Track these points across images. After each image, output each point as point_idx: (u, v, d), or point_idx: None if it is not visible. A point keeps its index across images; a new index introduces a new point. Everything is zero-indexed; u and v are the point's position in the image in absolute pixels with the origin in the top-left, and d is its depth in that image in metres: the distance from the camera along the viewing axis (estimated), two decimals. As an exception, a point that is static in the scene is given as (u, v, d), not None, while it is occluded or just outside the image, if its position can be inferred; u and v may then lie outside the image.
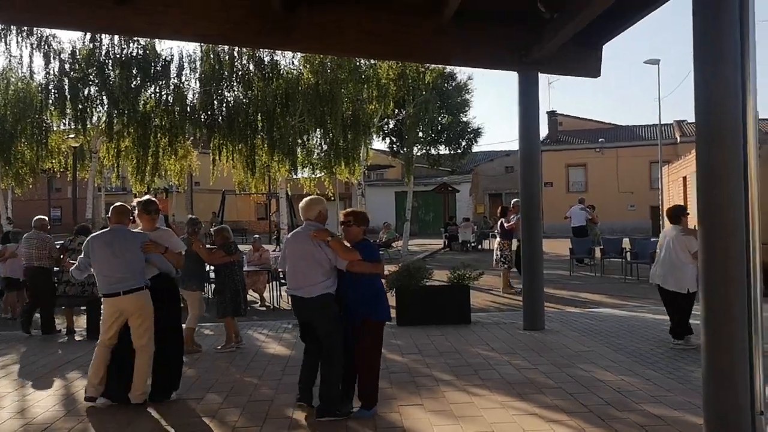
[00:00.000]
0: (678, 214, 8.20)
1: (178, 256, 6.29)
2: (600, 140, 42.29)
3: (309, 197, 5.91)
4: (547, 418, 5.32)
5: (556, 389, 6.18)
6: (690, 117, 44.07)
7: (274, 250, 17.48)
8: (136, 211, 6.32)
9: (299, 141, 19.60)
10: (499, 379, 6.59)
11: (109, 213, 6.32)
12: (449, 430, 5.12)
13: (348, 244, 5.49)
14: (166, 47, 23.43)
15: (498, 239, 14.18)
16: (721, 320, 4.60)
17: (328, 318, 5.48)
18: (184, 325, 8.28)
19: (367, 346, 5.46)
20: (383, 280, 5.90)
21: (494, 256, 14.34)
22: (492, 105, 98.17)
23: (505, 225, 13.82)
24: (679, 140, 40.19)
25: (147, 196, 6.63)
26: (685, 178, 25.22)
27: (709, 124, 4.68)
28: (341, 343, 5.45)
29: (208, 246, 9.03)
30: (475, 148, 41.05)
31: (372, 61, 20.10)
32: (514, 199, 15.10)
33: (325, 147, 20.14)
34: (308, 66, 19.12)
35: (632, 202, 39.54)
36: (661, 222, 30.12)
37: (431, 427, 5.19)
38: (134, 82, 19.58)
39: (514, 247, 13.72)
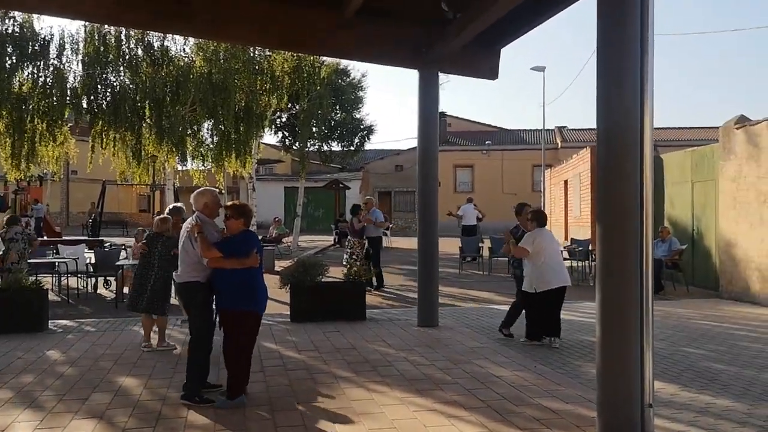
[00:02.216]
0: (545, 217, 8.65)
1: None
2: (486, 142, 43.58)
3: (198, 189, 6.12)
4: (447, 414, 5.35)
5: (453, 385, 6.25)
6: (570, 123, 46.30)
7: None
8: None
9: (189, 131, 18.91)
10: (398, 376, 6.60)
11: None
12: (351, 428, 5.05)
13: (208, 242, 5.60)
14: (45, 25, 22.06)
15: (349, 237, 13.91)
16: (614, 315, 4.78)
17: (189, 303, 5.88)
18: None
19: (225, 335, 5.65)
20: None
21: (344, 255, 14.08)
22: (383, 104, 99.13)
23: (356, 225, 13.61)
24: (560, 145, 42.09)
25: None
26: (566, 182, 26.39)
27: (609, 127, 4.85)
28: (203, 330, 5.78)
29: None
30: (366, 146, 41.33)
31: (267, 53, 19.69)
32: (368, 196, 15.08)
33: (216, 138, 19.54)
34: (201, 54, 18.47)
35: (516, 203, 40.94)
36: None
37: (333, 425, 5.10)
38: (8, 62, 18.21)
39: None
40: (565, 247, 18.51)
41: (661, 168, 15.57)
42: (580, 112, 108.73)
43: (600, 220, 4.92)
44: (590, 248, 15.62)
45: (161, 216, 8.30)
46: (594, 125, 5.01)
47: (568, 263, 16.65)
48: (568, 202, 26.18)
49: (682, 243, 13.98)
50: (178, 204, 8.66)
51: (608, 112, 4.82)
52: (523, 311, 8.56)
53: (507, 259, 16.09)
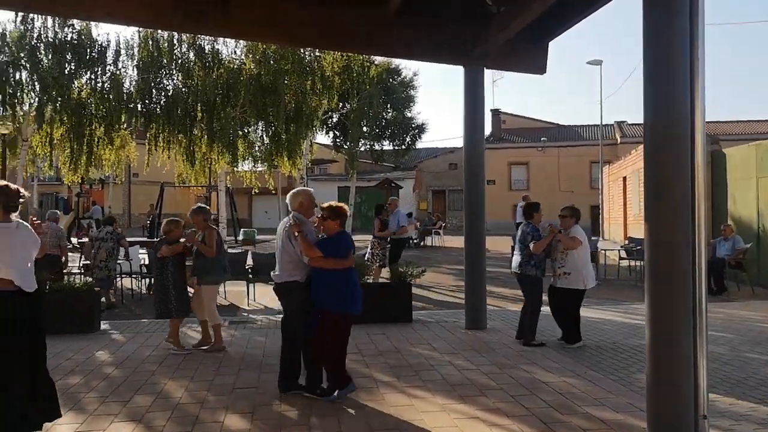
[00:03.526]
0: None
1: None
2: (542, 139, 42.78)
3: (294, 189, 6.30)
4: (489, 422, 5.15)
5: (498, 391, 6.03)
6: (630, 118, 45.05)
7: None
8: None
9: (240, 133, 19.09)
10: (441, 380, 6.42)
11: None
12: (388, 435, 4.91)
13: (309, 241, 5.75)
14: (102, 32, 22.68)
15: (372, 237, 13.60)
16: (664, 319, 4.53)
17: (289, 303, 5.98)
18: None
19: (320, 335, 5.72)
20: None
21: (367, 254, 13.79)
22: (436, 101, 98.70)
23: (376, 229, 13.28)
24: (619, 141, 40.99)
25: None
26: (625, 179, 25.68)
27: (657, 128, 4.60)
28: (300, 328, 5.85)
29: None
30: (419, 144, 41.06)
31: (317, 53, 19.72)
32: (392, 197, 14.73)
33: (266, 140, 19.67)
34: (250, 56, 18.63)
35: (573, 201, 40.09)
36: (601, 221, 30.63)
37: (370, 431, 4.97)
38: (68, 68, 18.75)
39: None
40: (623, 246, 18.00)
41: (724, 163, 14.94)
42: (641, 106, 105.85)
43: (648, 219, 4.65)
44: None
45: (168, 219, 8.30)
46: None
47: (625, 263, 16.19)
48: (627, 200, 25.46)
49: (747, 241, 13.36)
50: (200, 204, 8.71)
51: (654, 106, 4.57)
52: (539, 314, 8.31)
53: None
